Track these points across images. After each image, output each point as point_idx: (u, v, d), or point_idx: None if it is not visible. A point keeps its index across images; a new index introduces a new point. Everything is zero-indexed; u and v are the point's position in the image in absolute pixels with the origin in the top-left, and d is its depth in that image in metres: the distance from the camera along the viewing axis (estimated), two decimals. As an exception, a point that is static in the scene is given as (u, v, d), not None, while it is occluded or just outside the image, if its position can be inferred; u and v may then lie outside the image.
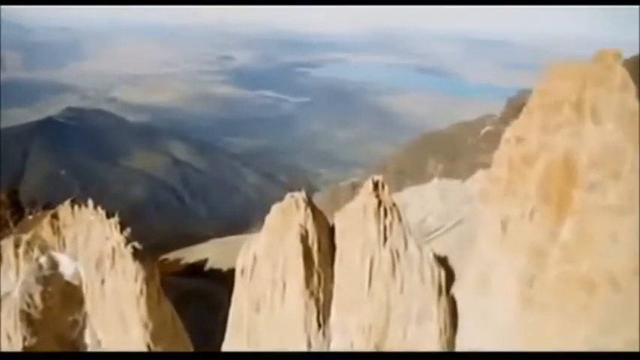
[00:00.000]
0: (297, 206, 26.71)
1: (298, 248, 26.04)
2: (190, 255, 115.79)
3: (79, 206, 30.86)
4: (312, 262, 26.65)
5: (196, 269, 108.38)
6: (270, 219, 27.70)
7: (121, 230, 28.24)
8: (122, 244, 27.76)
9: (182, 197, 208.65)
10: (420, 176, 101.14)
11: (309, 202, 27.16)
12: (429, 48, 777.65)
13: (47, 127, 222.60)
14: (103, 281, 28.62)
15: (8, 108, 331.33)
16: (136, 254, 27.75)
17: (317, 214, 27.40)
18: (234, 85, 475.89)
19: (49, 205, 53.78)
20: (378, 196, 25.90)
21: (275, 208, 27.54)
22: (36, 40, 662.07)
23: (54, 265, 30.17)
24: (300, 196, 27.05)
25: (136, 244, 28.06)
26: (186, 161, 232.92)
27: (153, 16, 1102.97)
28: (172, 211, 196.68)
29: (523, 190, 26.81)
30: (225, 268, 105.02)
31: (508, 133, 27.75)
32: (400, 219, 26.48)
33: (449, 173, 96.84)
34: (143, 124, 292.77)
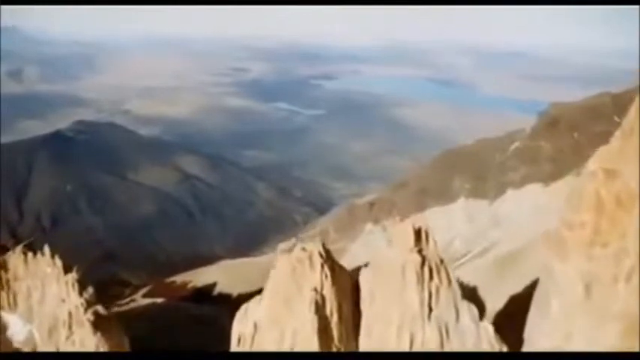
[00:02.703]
0: (311, 264, 19.85)
1: (312, 320, 19.27)
2: (198, 278, 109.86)
3: (34, 254, 24.03)
4: (331, 338, 19.86)
5: (204, 294, 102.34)
6: (274, 278, 20.83)
7: (81, 291, 21.32)
8: (81, 310, 20.90)
9: (192, 213, 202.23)
10: (444, 196, 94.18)
11: (327, 257, 20.26)
12: (444, 60, 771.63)
13: (54, 140, 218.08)
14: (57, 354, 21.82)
15: (24, 120, 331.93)
16: (99, 323, 20.86)
17: (337, 272, 20.51)
18: (248, 97, 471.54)
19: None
20: (420, 251, 18.97)
21: (281, 264, 20.66)
22: (53, 53, 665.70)
23: (1, 327, 23.52)
24: (315, 249, 20.10)
25: (100, 309, 21.16)
26: (198, 175, 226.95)
27: (168, 29, 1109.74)
28: (182, 228, 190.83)
29: (617, 243, 19.72)
30: (234, 294, 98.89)
31: (593, 164, 20.53)
32: (450, 281, 19.54)
33: (475, 193, 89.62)
34: (154, 137, 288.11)
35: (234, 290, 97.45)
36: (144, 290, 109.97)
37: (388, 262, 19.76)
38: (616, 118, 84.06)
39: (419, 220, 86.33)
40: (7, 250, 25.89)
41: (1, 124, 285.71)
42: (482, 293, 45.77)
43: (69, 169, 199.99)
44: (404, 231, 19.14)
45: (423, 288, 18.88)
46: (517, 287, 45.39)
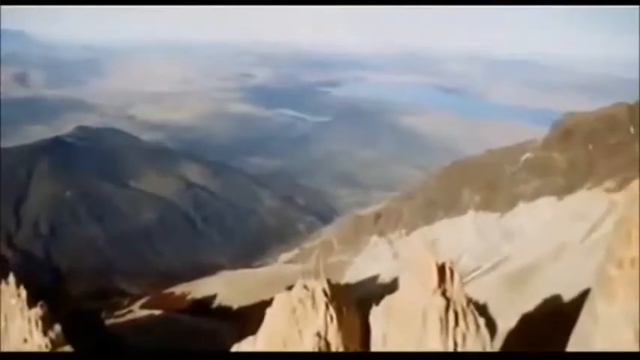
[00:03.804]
0: (314, 304, 16.76)
1: (314, 371, 16.20)
2: (198, 289, 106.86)
3: (-3, 283, 20.93)
4: (336, 391, 16.77)
5: (204, 306, 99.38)
6: (270, 319, 17.73)
7: (45, 329, 18.18)
8: (45, 352, 17.77)
9: (194, 222, 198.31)
10: (453, 208, 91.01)
11: (334, 295, 17.20)
12: (451, 67, 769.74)
13: (54, 146, 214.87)
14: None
15: (28, 124, 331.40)
16: (66, 367, 17.73)
17: (344, 313, 17.43)
18: (253, 103, 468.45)
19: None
20: (444, 293, 15.90)
21: (279, 303, 17.56)
22: (59, 57, 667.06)
23: (-39, 366, 20.46)
24: (319, 286, 17.03)
25: (68, 350, 18.06)
26: (200, 183, 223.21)
27: (175, 35, 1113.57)
28: (184, 236, 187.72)
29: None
30: (234, 306, 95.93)
31: (646, 188, 17.39)
32: (478, 327, 16.48)
33: (485, 205, 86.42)
34: (156, 143, 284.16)
35: (235, 302, 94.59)
36: (142, 301, 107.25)
37: (405, 304, 16.68)
38: (632, 130, 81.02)
39: (427, 232, 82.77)
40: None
41: (2, 128, 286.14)
42: (493, 311, 43.00)
43: (68, 176, 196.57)
44: (425, 268, 16.05)
45: (447, 336, 15.83)
46: (529, 305, 42.54)
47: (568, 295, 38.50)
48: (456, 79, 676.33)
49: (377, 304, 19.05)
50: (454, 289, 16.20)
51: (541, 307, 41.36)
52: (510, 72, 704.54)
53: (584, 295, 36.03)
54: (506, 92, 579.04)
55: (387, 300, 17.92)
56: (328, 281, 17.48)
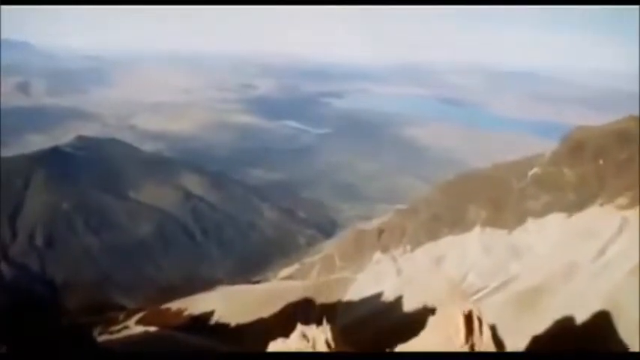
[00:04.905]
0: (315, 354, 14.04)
1: None
2: (195, 305, 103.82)
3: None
4: None
5: (201, 323, 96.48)
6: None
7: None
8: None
9: (193, 234, 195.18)
10: (459, 224, 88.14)
11: (337, 346, 14.49)
12: (454, 79, 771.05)
13: (52, 156, 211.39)
14: None
15: (30, 134, 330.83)
16: None
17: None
18: (255, 114, 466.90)
19: None
20: (472, 348, 13.23)
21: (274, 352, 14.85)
22: (61, 66, 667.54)
23: None
24: (322, 336, 14.28)
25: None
26: (200, 195, 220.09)
27: (177, 45, 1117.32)
28: (182, 249, 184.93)
29: None
30: (232, 323, 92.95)
31: None
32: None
33: (493, 222, 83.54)
34: (156, 154, 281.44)
35: (232, 320, 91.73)
36: (138, 316, 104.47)
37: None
38: (643, 144, 78.68)
39: (432, 248, 79.71)
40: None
41: (3, 137, 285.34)
42: (501, 333, 40.56)
43: (66, 186, 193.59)
44: (449, 318, 13.37)
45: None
46: (539, 326, 40.23)
47: (579, 316, 36.08)
48: (459, 91, 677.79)
49: (390, 345, 16.39)
50: (483, 342, 13.52)
51: (551, 329, 38.84)
52: (512, 84, 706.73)
53: (595, 317, 33.49)
54: (508, 104, 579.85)
55: (402, 349, 15.23)
56: (332, 329, 14.75)
